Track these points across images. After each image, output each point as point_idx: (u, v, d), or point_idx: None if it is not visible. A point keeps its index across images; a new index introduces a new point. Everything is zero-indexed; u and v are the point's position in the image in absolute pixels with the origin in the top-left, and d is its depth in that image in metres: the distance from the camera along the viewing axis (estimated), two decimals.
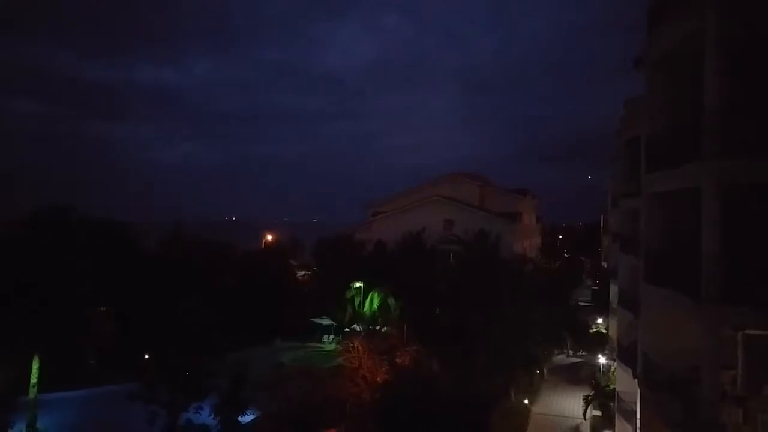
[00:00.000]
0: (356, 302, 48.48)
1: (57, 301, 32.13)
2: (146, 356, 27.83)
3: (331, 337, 50.28)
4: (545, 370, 44.37)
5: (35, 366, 32.43)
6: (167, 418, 20.06)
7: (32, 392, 31.82)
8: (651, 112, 19.09)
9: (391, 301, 45.33)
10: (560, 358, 50.65)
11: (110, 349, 41.79)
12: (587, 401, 33.86)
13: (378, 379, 31.01)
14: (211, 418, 20.87)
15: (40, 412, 31.01)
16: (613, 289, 35.79)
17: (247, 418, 26.67)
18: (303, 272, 69.54)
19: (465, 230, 55.20)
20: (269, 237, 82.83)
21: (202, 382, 21.39)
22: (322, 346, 48.59)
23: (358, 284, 48.90)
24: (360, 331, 40.64)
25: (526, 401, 37.03)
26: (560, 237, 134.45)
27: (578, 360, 49.69)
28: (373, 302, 46.55)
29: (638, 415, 22.08)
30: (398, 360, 32.38)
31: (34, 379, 32.18)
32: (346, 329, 46.34)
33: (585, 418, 33.57)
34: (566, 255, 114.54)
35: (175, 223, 52.28)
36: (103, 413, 31.17)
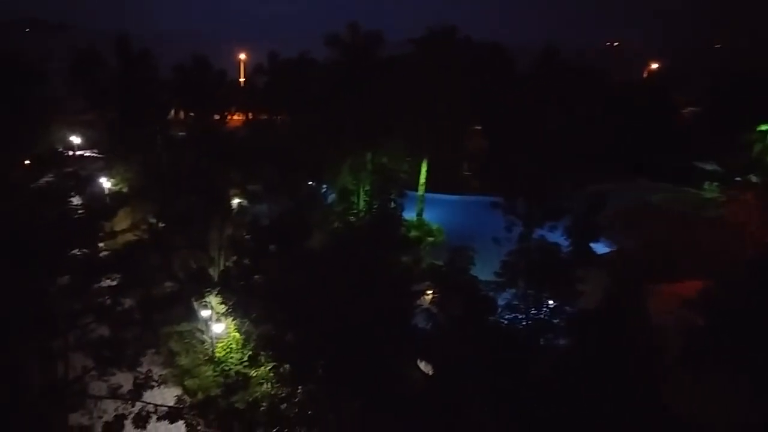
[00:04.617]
0: (758, 148, 39.41)
1: (439, 112, 36.48)
2: (511, 171, 29.50)
3: (715, 184, 43.29)
4: None
5: (424, 168, 38.91)
6: (523, 229, 21.13)
7: (420, 189, 38.88)
8: None
9: None
10: None
11: (481, 162, 46.48)
12: None
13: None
14: (563, 238, 20.93)
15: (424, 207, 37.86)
16: None
17: (600, 249, 26.18)
18: (689, 108, 60.22)
19: None
20: (653, 66, 75.56)
21: (559, 204, 21.33)
22: (701, 192, 42.66)
23: (765, 127, 39.27)
24: (756, 183, 33.48)
25: None
26: None
27: None
28: None
29: None
30: None
31: (422, 179, 38.92)
32: (737, 178, 38.91)
33: None
34: None
35: (546, 46, 50.40)
36: (469, 216, 35.79)
